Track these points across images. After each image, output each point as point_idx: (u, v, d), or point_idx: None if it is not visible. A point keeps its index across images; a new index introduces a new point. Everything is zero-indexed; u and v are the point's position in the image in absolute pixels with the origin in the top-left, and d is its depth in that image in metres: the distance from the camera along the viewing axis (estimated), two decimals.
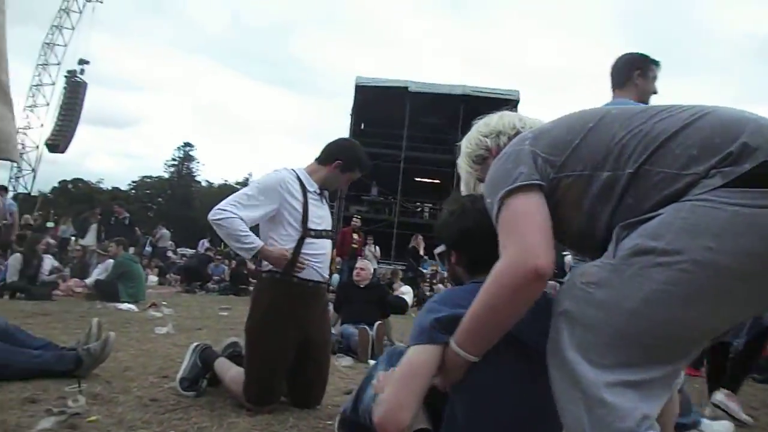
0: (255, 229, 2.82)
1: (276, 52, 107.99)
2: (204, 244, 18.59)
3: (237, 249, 2.77)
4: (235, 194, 2.77)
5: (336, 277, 13.94)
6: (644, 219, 1.17)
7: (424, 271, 13.19)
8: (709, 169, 1.12)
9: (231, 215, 2.63)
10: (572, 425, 1.17)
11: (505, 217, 1.29)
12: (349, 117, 27.76)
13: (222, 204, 2.68)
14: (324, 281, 2.85)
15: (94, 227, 11.99)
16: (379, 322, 4.78)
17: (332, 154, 2.93)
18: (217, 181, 63.22)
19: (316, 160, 2.96)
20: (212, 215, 2.65)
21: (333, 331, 4.88)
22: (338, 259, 11.53)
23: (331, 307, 5.16)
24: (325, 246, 2.87)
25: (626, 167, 1.21)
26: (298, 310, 2.71)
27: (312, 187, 2.86)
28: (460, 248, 1.68)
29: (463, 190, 1.77)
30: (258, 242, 2.68)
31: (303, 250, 2.74)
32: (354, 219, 12.47)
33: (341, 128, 28.83)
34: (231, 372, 2.77)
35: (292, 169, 2.88)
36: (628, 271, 1.14)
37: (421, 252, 12.69)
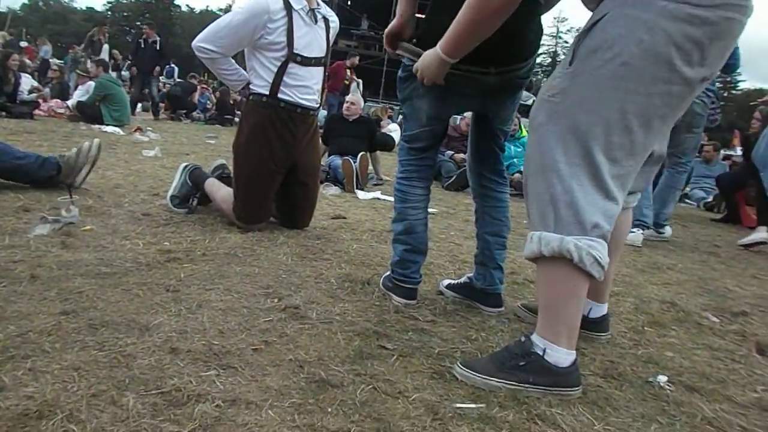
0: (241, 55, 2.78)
1: None
2: (174, 70, 17.91)
3: (224, 81, 2.84)
4: (215, 23, 2.66)
5: (323, 112, 13.79)
6: (594, 22, 1.32)
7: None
8: None
9: (214, 54, 2.64)
10: (540, 223, 1.39)
11: None
12: None
13: (203, 37, 2.63)
14: (313, 108, 2.79)
15: (106, 48, 10.89)
16: (362, 153, 4.81)
17: None
18: (198, 6, 59.48)
19: None
20: (196, 50, 2.65)
21: (321, 162, 4.94)
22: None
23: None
24: (314, 74, 2.75)
25: None
26: (285, 134, 2.69)
27: (299, 4, 2.67)
28: None
29: None
30: (244, 77, 2.74)
31: (287, 78, 2.64)
32: (352, 56, 11.93)
33: None
34: (221, 192, 2.82)
35: None
36: (583, 76, 1.32)
37: None
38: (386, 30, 1.86)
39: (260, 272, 2.09)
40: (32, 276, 1.74)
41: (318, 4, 2.78)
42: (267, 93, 2.64)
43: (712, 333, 2.08)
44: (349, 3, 26.80)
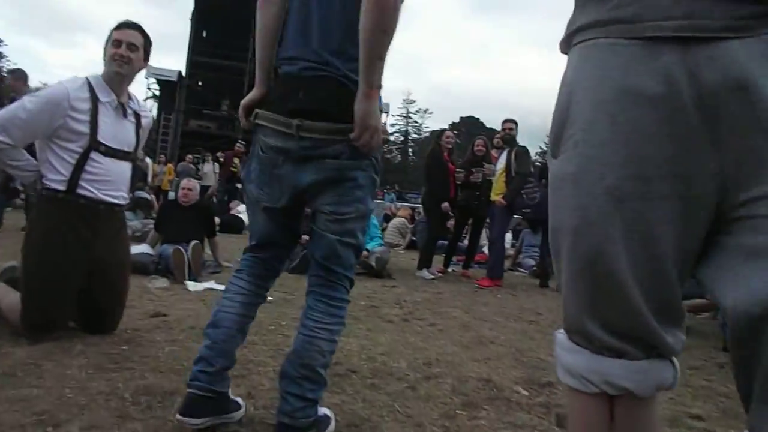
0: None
1: None
2: None
3: (13, 174, 2.63)
4: (10, 109, 2.42)
5: (172, 194, 13.19)
6: None
7: None
8: None
9: (3, 145, 2.38)
10: None
11: None
12: (189, 23, 25.57)
13: None
14: (120, 204, 2.61)
15: None
16: (196, 241, 4.60)
17: None
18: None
19: None
20: None
21: (151, 252, 4.66)
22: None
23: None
24: (122, 168, 2.60)
25: None
26: (84, 233, 2.47)
27: (107, 97, 2.54)
28: None
29: None
30: (37, 168, 2.48)
31: (89, 168, 2.46)
32: (238, 144, 11.80)
33: (181, 35, 26.51)
34: (8, 298, 2.50)
35: (85, 78, 2.54)
36: None
37: None
38: (243, 102, 1.82)
39: (39, 394, 1.83)
40: None
41: (130, 98, 2.66)
42: (64, 189, 2.43)
43: (520, 408, 2.15)
44: (200, 85, 26.62)
